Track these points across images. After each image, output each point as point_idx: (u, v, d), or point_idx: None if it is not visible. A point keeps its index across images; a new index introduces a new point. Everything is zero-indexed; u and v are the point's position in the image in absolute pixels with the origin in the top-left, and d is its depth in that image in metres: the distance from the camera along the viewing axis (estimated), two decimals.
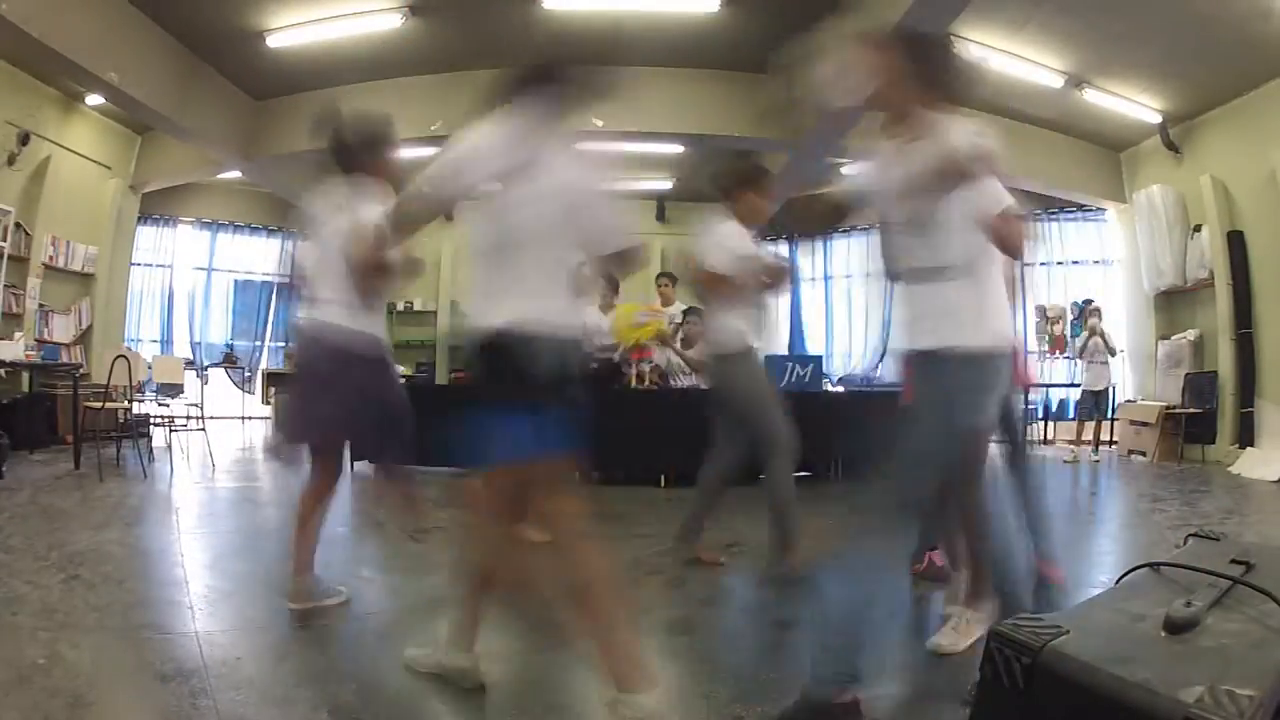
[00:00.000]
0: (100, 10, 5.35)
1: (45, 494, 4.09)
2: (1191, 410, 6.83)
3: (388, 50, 6.40)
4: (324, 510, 2.40)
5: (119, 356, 5.11)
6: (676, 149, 8.27)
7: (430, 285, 10.84)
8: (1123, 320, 8.07)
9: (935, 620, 2.26)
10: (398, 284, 2.40)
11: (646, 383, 5.35)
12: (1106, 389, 7.16)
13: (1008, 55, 6.09)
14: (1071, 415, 7.97)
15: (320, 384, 2.22)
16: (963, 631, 2.02)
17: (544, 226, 1.62)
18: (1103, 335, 7.08)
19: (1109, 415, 7.46)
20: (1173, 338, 7.40)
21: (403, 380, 9.27)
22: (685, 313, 5.20)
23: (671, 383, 5.36)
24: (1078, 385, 7.42)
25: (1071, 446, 7.05)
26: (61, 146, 7.02)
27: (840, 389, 7.79)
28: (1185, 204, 7.12)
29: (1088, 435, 7.11)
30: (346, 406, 2.21)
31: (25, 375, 6.52)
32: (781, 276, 3.05)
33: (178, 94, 6.21)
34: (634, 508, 4.27)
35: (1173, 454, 6.84)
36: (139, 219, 8.48)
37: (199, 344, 9.66)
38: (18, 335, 6.34)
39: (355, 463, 5.45)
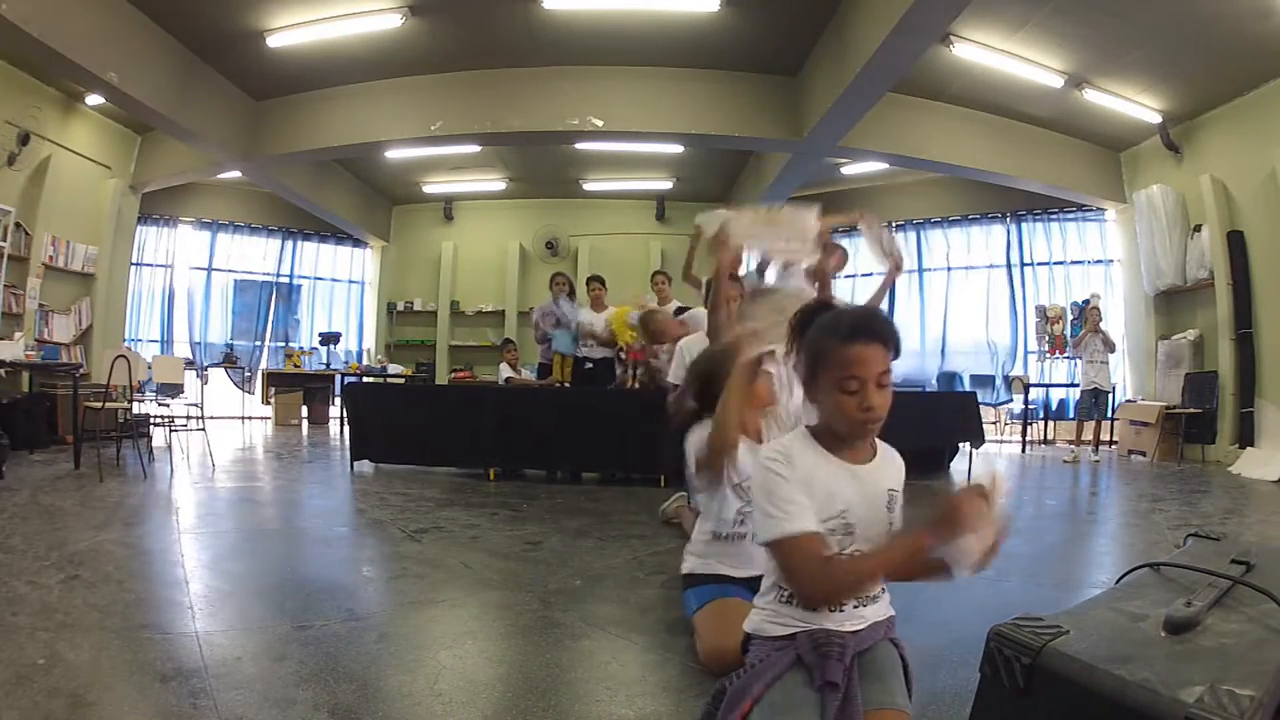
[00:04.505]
0: (100, 10, 5.34)
1: (45, 494, 4.09)
2: (1191, 410, 6.83)
3: (388, 50, 6.40)
4: None
5: (119, 356, 5.11)
6: (676, 149, 8.27)
7: (430, 285, 10.86)
8: (1122, 320, 8.07)
9: None
10: None
11: (638, 384, 5.36)
12: (1107, 390, 7.16)
13: (1008, 55, 6.09)
14: (1071, 415, 7.98)
15: None
16: None
17: None
18: (1102, 334, 7.08)
19: (1109, 415, 7.46)
20: (1173, 338, 7.40)
21: (403, 380, 9.27)
22: (677, 311, 5.21)
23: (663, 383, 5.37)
24: (1078, 385, 7.42)
25: (1071, 446, 7.05)
26: (61, 146, 7.02)
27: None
28: (1185, 204, 7.12)
29: (1088, 435, 7.11)
30: None
31: (25, 375, 6.52)
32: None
33: (178, 94, 6.21)
34: (634, 508, 4.28)
35: (1173, 454, 6.84)
36: (139, 219, 8.48)
37: (199, 344, 9.66)
38: (18, 335, 6.34)
39: (355, 463, 5.47)
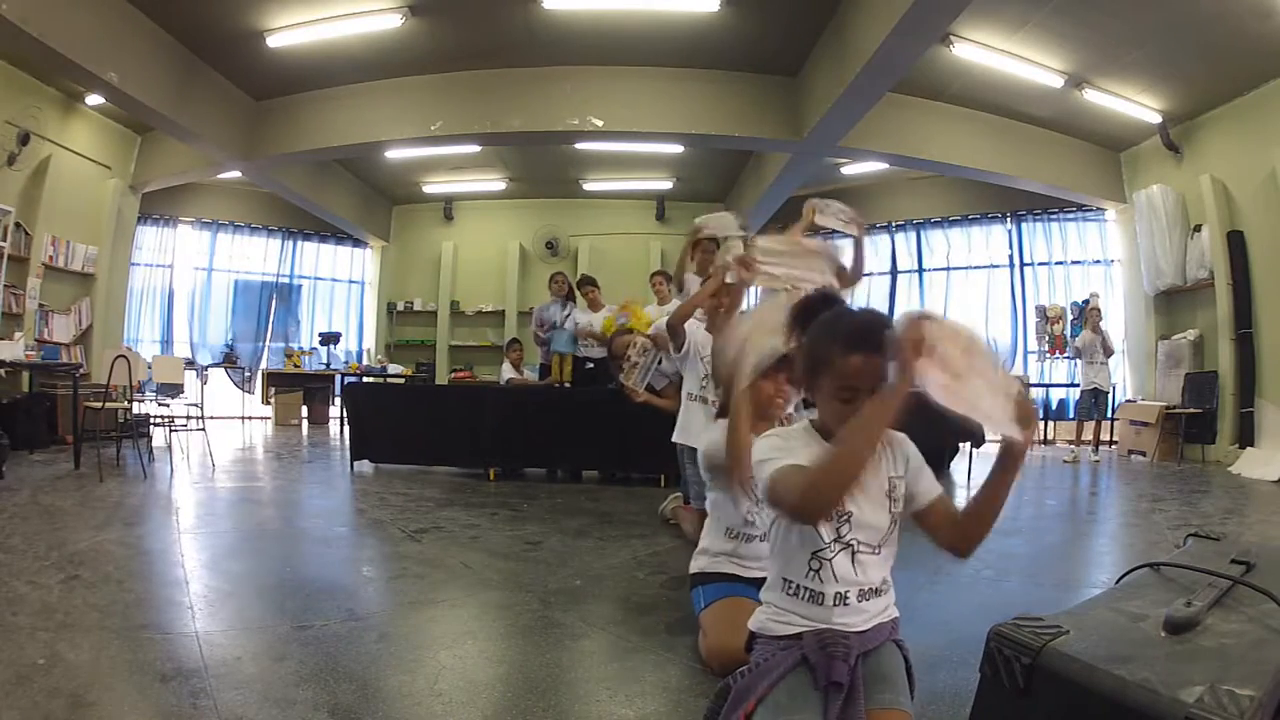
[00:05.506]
0: (100, 10, 5.34)
1: (45, 494, 4.09)
2: (1191, 410, 6.83)
3: (388, 50, 6.40)
4: None
5: (119, 356, 5.11)
6: (676, 149, 8.27)
7: (430, 285, 10.86)
8: (1122, 320, 8.07)
9: None
10: None
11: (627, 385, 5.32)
12: (1107, 390, 7.16)
13: (1008, 55, 6.09)
14: (1071, 415, 7.98)
15: None
16: None
17: None
18: (1102, 334, 7.08)
19: (1109, 415, 7.47)
20: (1173, 338, 7.40)
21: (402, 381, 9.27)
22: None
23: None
24: (1078, 385, 7.42)
25: (1071, 446, 7.05)
26: (61, 146, 7.02)
27: None
28: (1185, 204, 7.12)
29: (1087, 435, 7.11)
30: None
31: (25, 375, 6.52)
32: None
33: (178, 94, 6.21)
34: (634, 508, 4.28)
35: (1173, 454, 6.84)
36: (139, 219, 8.48)
37: (199, 344, 9.66)
38: (18, 335, 6.34)
39: (355, 463, 5.47)
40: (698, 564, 2.16)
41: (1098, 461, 6.86)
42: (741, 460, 1.83)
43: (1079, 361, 7.35)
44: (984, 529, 1.23)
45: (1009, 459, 1.17)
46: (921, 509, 1.31)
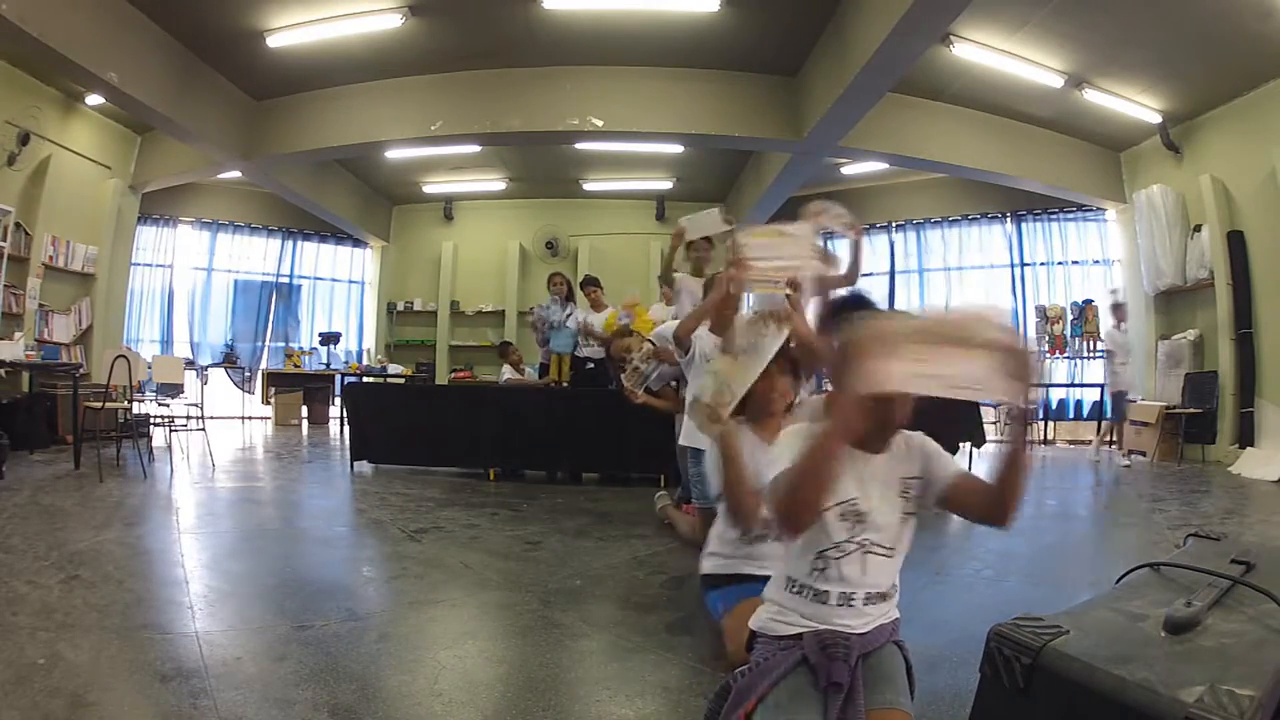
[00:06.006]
0: (100, 10, 5.34)
1: (45, 494, 4.09)
2: (1191, 410, 6.83)
3: (388, 50, 6.40)
4: None
5: (119, 356, 5.11)
6: (676, 149, 8.27)
7: (430, 285, 10.86)
8: None
9: None
10: None
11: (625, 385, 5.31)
12: (1124, 391, 7.13)
13: (1008, 55, 6.09)
14: (1071, 415, 7.98)
15: None
16: None
17: None
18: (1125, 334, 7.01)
19: (1107, 415, 7.46)
20: (1173, 338, 7.39)
21: (402, 380, 9.26)
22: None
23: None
24: (1077, 385, 7.39)
25: (1123, 450, 7.02)
26: (61, 146, 7.02)
27: None
28: (1185, 204, 7.11)
29: (1101, 437, 7.08)
30: None
31: (25, 375, 6.52)
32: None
33: (178, 94, 6.21)
34: (633, 507, 4.28)
35: (1173, 454, 6.83)
36: (139, 219, 8.48)
37: (199, 344, 9.66)
38: (18, 335, 6.34)
39: (355, 463, 5.47)
40: (710, 564, 2.12)
41: (1098, 462, 6.87)
42: (742, 495, 1.79)
43: (1108, 360, 7.05)
44: (1015, 493, 1.19)
45: (1015, 421, 1.14)
46: (945, 491, 1.29)
